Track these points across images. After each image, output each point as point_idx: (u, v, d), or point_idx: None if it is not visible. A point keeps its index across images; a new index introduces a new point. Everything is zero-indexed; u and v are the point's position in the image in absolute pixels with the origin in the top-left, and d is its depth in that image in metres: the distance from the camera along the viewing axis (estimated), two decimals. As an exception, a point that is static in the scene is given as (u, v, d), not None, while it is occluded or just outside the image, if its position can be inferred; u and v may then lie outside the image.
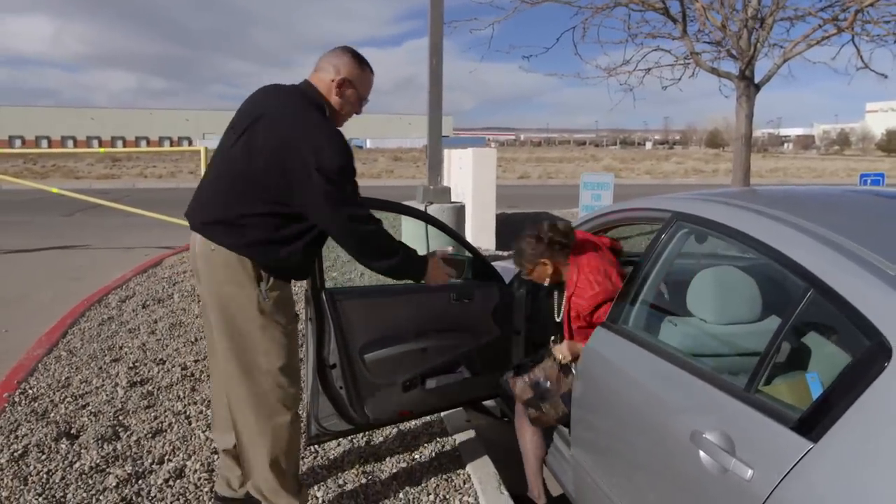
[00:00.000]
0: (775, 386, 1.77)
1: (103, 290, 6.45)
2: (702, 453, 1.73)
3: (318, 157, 2.16)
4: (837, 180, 29.34)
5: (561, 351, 2.64)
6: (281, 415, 2.38)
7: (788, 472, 1.48)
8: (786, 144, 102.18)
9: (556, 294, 2.99)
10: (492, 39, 8.52)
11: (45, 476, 2.99)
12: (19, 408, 3.73)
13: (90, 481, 2.94)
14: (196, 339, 4.95)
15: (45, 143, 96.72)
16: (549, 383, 2.67)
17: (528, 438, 2.83)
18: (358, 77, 2.39)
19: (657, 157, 51.20)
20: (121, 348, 4.75)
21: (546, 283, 2.85)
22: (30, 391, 3.96)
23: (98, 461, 3.11)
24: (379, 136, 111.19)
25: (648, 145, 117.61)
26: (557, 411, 2.65)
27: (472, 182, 8.63)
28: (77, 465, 3.08)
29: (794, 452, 1.49)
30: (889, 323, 1.45)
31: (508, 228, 10.79)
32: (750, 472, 1.57)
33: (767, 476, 1.52)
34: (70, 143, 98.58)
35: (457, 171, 9.51)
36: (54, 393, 3.93)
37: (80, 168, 33.21)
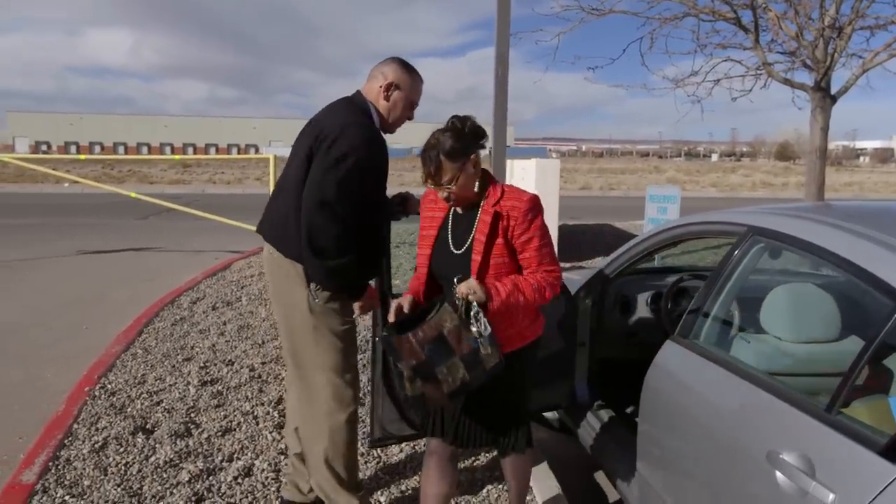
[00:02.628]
0: (856, 408, 1.71)
1: (175, 291, 6.72)
2: (779, 474, 1.68)
3: (334, 140, 2.30)
4: (890, 195, 27.87)
5: (470, 287, 2.05)
6: (336, 413, 2.46)
7: (875, 499, 1.43)
8: (861, 157, 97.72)
9: (450, 219, 2.32)
10: (557, 50, 8.49)
11: (122, 468, 3.13)
12: (99, 401, 3.92)
13: (164, 475, 3.07)
14: (263, 342, 5.09)
15: (121, 149, 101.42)
16: (448, 340, 2.04)
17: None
18: (404, 81, 2.48)
19: (723, 170, 49.72)
20: (192, 348, 4.93)
21: (460, 206, 2.26)
22: (108, 386, 4.16)
23: (172, 456, 3.24)
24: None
25: (714, 157, 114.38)
26: (455, 378, 2.05)
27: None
28: (153, 458, 3.22)
29: (880, 478, 1.43)
30: None
31: (571, 240, 10.70)
32: (832, 496, 1.52)
33: (850, 501, 1.47)
34: (144, 149, 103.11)
35: (519, 181, 9.49)
36: (131, 389, 4.12)
37: (153, 173, 34.64)
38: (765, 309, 2.37)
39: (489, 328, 2.06)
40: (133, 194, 10.17)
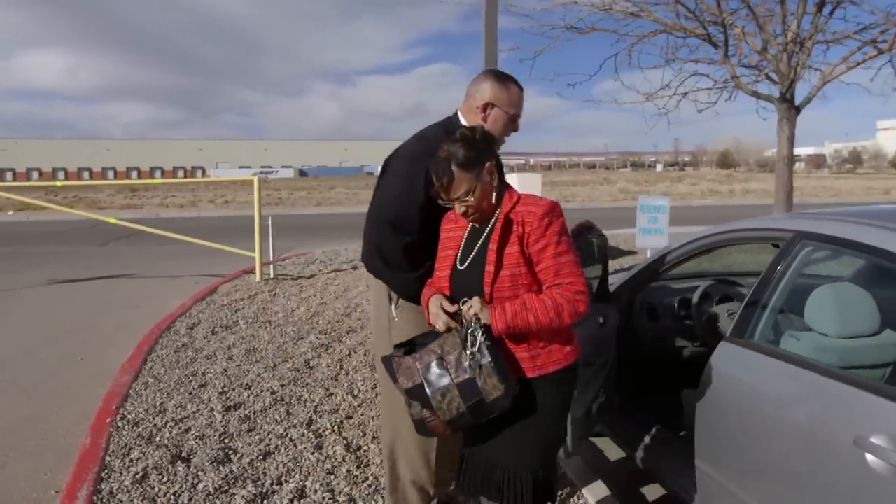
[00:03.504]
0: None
1: (169, 317, 6.60)
2: (868, 456, 1.83)
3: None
4: (856, 199, 29.30)
5: (474, 306, 1.95)
6: (403, 424, 2.47)
7: (977, 473, 1.58)
8: (797, 164, 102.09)
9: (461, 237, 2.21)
10: (532, 68, 8.71)
11: (172, 497, 3.10)
12: (124, 432, 3.85)
13: (220, 500, 3.05)
14: (275, 365, 5.07)
15: (61, 174, 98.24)
16: (446, 366, 1.95)
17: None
18: (501, 98, 2.43)
19: (670, 179, 51.28)
20: (204, 374, 4.88)
21: (478, 221, 2.13)
22: (129, 416, 4.09)
23: (219, 483, 3.22)
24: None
25: (659, 167, 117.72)
26: (451, 408, 1.93)
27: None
28: (200, 486, 3.20)
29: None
30: None
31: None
32: (930, 473, 1.66)
33: (953, 477, 1.62)
34: (86, 174, 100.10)
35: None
36: (153, 418, 4.06)
37: (101, 199, 33.70)
38: (809, 307, 2.54)
39: (488, 356, 1.90)
40: (112, 220, 9.95)
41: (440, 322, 2.01)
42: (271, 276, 8.64)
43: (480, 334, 1.91)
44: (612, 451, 3.83)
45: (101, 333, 6.47)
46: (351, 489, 3.16)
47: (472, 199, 2.03)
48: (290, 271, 9.27)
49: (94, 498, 3.09)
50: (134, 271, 10.25)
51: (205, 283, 8.87)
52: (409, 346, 2.06)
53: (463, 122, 2.47)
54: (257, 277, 8.41)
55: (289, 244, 12.63)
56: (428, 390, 1.94)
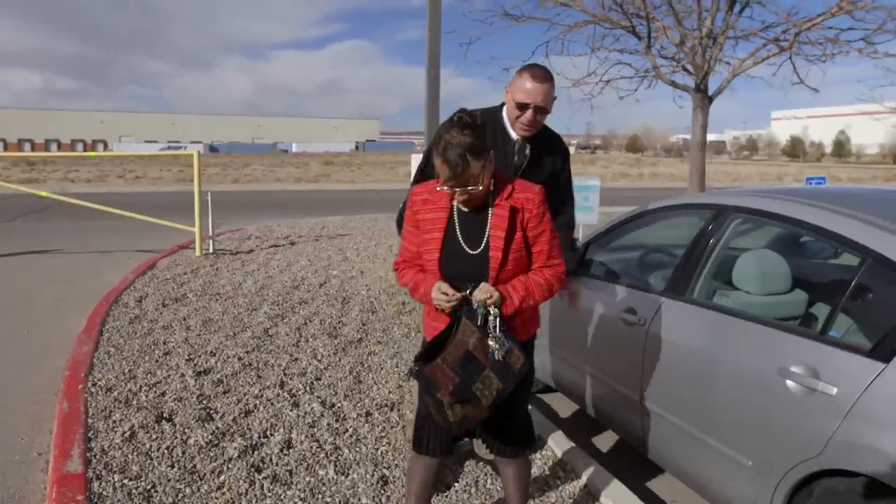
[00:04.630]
0: (839, 330, 2.38)
1: (114, 291, 6.57)
2: (789, 382, 2.32)
3: None
4: (753, 183, 31.48)
5: (486, 292, 2.07)
6: None
7: (869, 385, 2.08)
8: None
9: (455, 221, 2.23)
10: (468, 52, 9.05)
11: (165, 452, 3.30)
12: (99, 397, 3.97)
13: (212, 453, 3.28)
14: (235, 334, 5.24)
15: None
16: (475, 356, 2.06)
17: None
18: (514, 84, 2.64)
19: (583, 162, 53.03)
20: (165, 343, 4.99)
21: (469, 206, 2.18)
22: (99, 383, 4.19)
23: (209, 437, 3.43)
24: (306, 139, 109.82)
25: (571, 149, 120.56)
26: (491, 391, 2.06)
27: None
28: (190, 441, 3.41)
29: (871, 371, 2.09)
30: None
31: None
32: (835, 389, 2.16)
33: (850, 390, 2.12)
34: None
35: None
36: (125, 384, 4.18)
37: (-3, 173, 31.56)
38: (736, 270, 3.04)
39: (508, 337, 2.09)
40: (43, 193, 9.59)
41: (447, 297, 2.09)
42: (210, 251, 8.64)
43: (498, 320, 2.07)
44: (564, 404, 4.29)
45: (40, 308, 6.38)
46: (335, 439, 3.46)
47: (480, 186, 2.08)
48: (226, 246, 9.28)
49: (88, 455, 3.24)
50: (57, 247, 9.93)
51: (137, 258, 8.76)
52: (427, 354, 2.11)
53: (501, 110, 2.74)
54: (197, 252, 8.40)
55: (216, 221, 12.49)
56: (470, 383, 2.04)
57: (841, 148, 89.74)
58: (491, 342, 2.06)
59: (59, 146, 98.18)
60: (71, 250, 9.60)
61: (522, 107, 2.61)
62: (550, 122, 2.88)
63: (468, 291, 2.09)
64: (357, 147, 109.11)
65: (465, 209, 2.18)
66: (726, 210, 3.03)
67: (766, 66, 8.65)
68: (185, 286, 6.86)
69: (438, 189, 2.13)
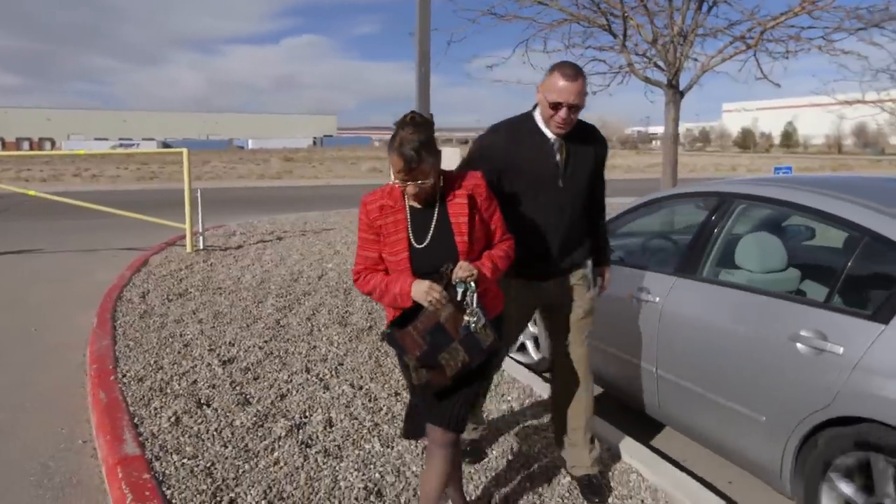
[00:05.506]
0: (842, 298, 2.73)
1: (114, 287, 6.64)
2: (799, 345, 2.66)
3: None
4: (709, 174, 32.49)
5: (467, 270, 2.21)
6: None
7: (872, 344, 2.43)
8: (654, 142, 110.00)
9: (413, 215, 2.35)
10: (448, 48, 9.29)
11: (214, 433, 3.49)
12: (133, 387, 4.12)
13: (259, 433, 3.49)
14: (248, 325, 5.42)
15: None
16: (446, 328, 2.21)
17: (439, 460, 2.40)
18: (544, 83, 2.70)
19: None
20: (181, 336, 5.14)
21: (420, 201, 2.32)
22: (129, 374, 4.33)
23: (253, 419, 3.64)
24: (262, 136, 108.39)
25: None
26: (456, 361, 2.22)
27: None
28: (236, 422, 3.61)
29: (873, 332, 2.45)
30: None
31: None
32: (842, 349, 2.52)
33: (856, 347, 2.47)
34: None
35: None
36: (155, 374, 4.33)
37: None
38: (739, 251, 3.39)
39: (482, 313, 2.23)
40: (32, 192, 9.50)
41: (437, 295, 2.19)
42: (201, 247, 8.72)
43: (474, 295, 2.23)
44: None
45: (38, 306, 6.43)
46: (372, 417, 3.70)
47: (431, 180, 2.23)
48: (214, 243, 9.35)
49: (140, 439, 3.42)
50: (34, 247, 9.84)
51: (123, 256, 8.78)
52: (401, 321, 2.26)
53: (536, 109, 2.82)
54: (188, 248, 8.48)
55: (195, 217, 12.48)
56: (436, 352, 2.20)
57: (789, 139, 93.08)
58: (468, 316, 2.22)
59: (4, 145, 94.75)
60: (52, 250, 9.53)
61: (556, 106, 2.66)
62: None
63: (447, 268, 2.23)
64: (315, 143, 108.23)
65: (417, 205, 2.32)
66: (730, 197, 3.37)
67: (733, 63, 9.10)
68: (185, 281, 6.96)
69: (391, 183, 2.29)
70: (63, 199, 9.73)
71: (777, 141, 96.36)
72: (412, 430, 2.55)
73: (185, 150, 8.16)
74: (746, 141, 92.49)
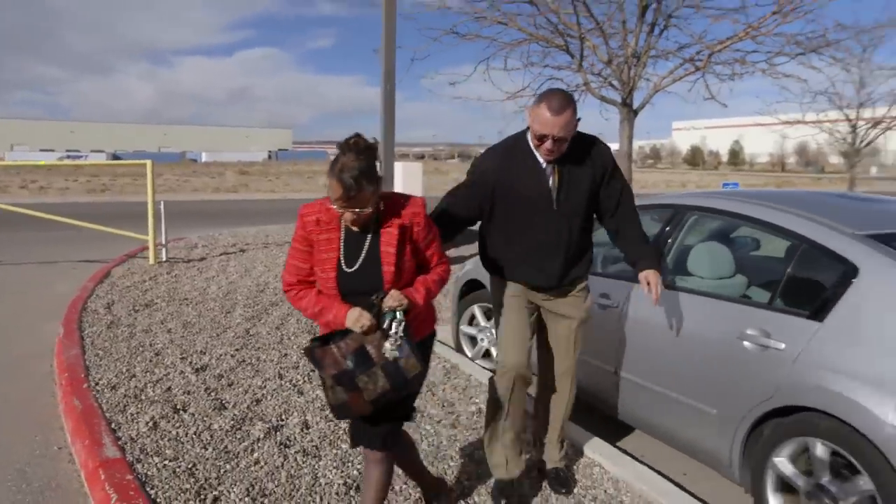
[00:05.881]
0: (782, 300, 3.02)
1: (79, 298, 6.59)
2: (745, 343, 2.93)
3: None
4: (660, 190, 33.48)
5: (396, 299, 2.25)
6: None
7: (810, 340, 2.71)
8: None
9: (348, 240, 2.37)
10: (411, 66, 9.53)
11: (193, 437, 3.58)
12: (107, 394, 4.16)
13: (238, 435, 3.59)
14: (218, 334, 5.48)
15: None
16: (370, 350, 2.24)
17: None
18: (532, 112, 2.73)
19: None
20: (151, 345, 5.17)
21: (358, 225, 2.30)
22: (102, 382, 4.36)
23: (231, 423, 3.74)
24: (215, 149, 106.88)
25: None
26: (376, 386, 2.23)
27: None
28: (214, 426, 3.70)
29: (810, 329, 2.73)
30: (855, 256, 2.73)
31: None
32: (783, 345, 2.79)
33: (796, 344, 2.75)
34: None
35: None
36: (128, 382, 4.37)
37: None
38: (691, 259, 3.66)
39: (408, 343, 2.24)
40: (3, 205, 9.31)
41: (367, 322, 2.22)
42: (164, 259, 8.69)
43: (400, 325, 2.24)
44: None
45: (-1, 318, 6.35)
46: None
47: (370, 209, 2.23)
48: (176, 255, 9.31)
49: (120, 443, 3.48)
50: (-9, 259, 9.64)
51: (84, 268, 8.67)
52: (325, 339, 2.29)
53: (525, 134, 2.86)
54: (151, 260, 8.44)
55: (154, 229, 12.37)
56: (354, 375, 2.22)
57: (736, 156, 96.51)
58: (388, 344, 2.22)
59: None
60: (9, 262, 9.35)
61: (541, 137, 2.70)
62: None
63: (377, 298, 2.25)
64: (270, 156, 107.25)
65: (354, 229, 2.31)
66: (683, 209, 3.65)
67: (683, 83, 9.59)
68: (150, 293, 6.96)
69: (330, 206, 2.27)
70: (27, 211, 9.56)
71: (725, 158, 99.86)
72: (357, 439, 2.54)
73: (148, 162, 8.16)
74: (696, 158, 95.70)
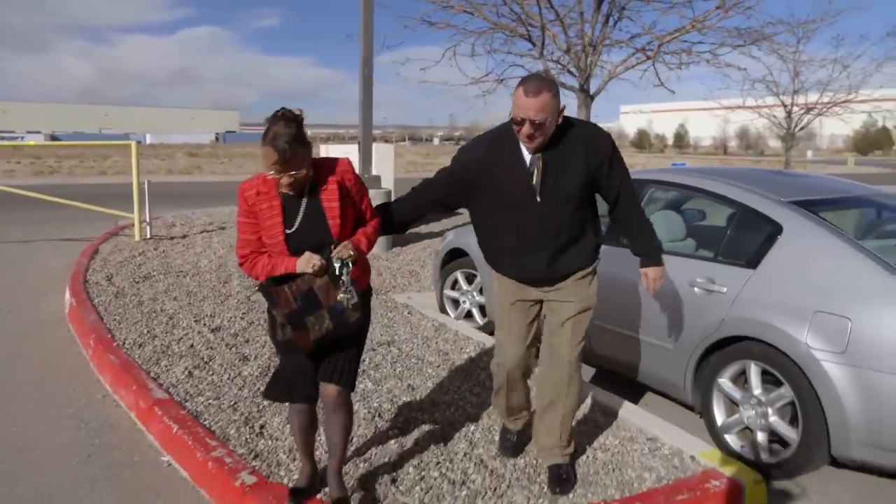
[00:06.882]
0: (724, 255, 3.74)
1: (76, 273, 6.91)
2: (695, 289, 3.65)
3: None
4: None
5: (347, 248, 2.50)
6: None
7: (745, 284, 3.44)
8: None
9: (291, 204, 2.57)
10: (383, 51, 10.01)
11: (228, 380, 4.11)
12: (136, 351, 4.63)
13: (268, 378, 4.13)
14: (222, 301, 5.96)
15: None
16: (317, 294, 2.46)
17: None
18: (513, 95, 2.66)
19: (449, 153, 54.92)
20: (163, 311, 5.62)
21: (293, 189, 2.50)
22: (128, 342, 4.82)
23: (258, 370, 4.28)
24: (160, 130, 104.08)
25: (436, 141, 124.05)
26: (321, 327, 2.47)
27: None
28: (245, 372, 4.24)
29: (746, 275, 3.45)
30: (781, 218, 3.47)
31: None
32: (725, 289, 3.51)
33: (735, 287, 3.47)
34: None
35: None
36: (151, 341, 4.84)
37: None
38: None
39: (353, 289, 2.50)
40: None
41: (318, 262, 2.46)
42: (148, 236, 9.02)
43: (348, 274, 2.50)
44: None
45: (1, 291, 6.66)
46: (361, 364, 4.42)
47: (304, 171, 2.45)
48: (158, 233, 9.63)
49: (163, 388, 3.98)
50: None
51: (64, 246, 8.93)
52: (277, 281, 2.50)
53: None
54: (136, 237, 8.76)
55: (124, 209, 12.55)
56: (304, 315, 2.45)
57: (681, 140, 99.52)
58: (342, 293, 2.48)
59: None
60: (-13, 241, 9.51)
61: (519, 122, 2.61)
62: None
63: (331, 247, 2.50)
64: (218, 139, 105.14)
65: (291, 193, 2.51)
66: (643, 182, 4.35)
67: (635, 71, 10.36)
68: (145, 266, 7.33)
69: (267, 177, 2.48)
70: (8, 189, 9.70)
71: (670, 142, 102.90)
72: (273, 394, 2.82)
73: (133, 143, 8.49)
74: (642, 141, 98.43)
